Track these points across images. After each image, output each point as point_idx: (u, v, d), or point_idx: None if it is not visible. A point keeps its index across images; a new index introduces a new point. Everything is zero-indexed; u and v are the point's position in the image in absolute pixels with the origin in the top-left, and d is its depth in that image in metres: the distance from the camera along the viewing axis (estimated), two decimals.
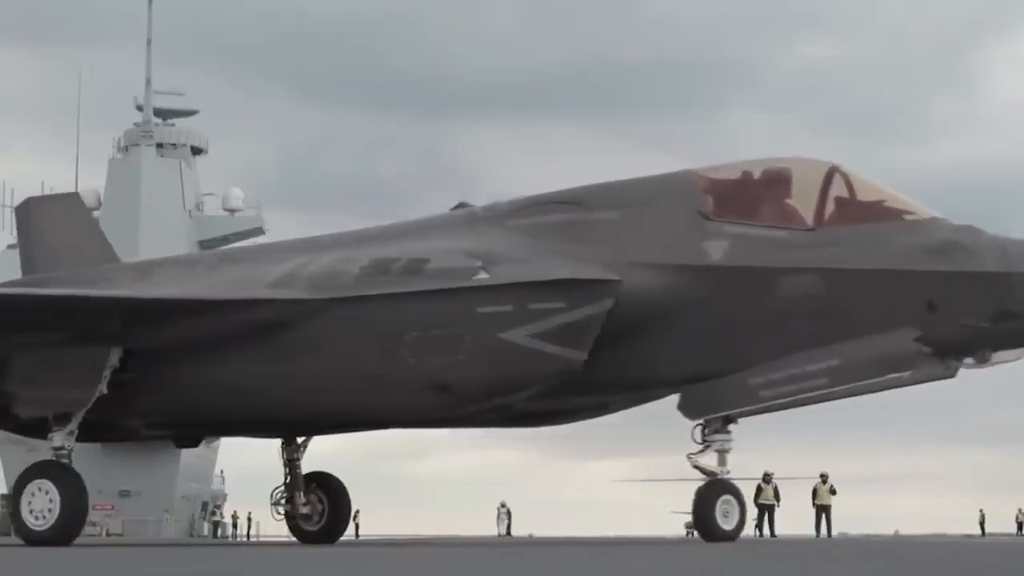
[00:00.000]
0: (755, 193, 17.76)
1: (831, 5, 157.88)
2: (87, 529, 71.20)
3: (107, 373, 18.67)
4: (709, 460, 17.86)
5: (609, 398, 19.28)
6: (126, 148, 79.16)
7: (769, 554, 13.90)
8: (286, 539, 22.98)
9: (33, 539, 18.83)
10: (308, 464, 22.43)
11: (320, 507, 22.38)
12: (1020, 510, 79.76)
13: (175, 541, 44.81)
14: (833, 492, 43.43)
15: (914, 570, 9.57)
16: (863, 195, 17.46)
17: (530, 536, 66.86)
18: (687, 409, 17.73)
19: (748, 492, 50.67)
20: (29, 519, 18.84)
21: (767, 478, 43.66)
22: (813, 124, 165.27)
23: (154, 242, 65.96)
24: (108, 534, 64.55)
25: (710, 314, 17.24)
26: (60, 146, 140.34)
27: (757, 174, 17.89)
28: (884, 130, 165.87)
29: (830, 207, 17.30)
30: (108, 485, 68.00)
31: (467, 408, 18.13)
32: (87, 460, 79.08)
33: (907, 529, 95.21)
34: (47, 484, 18.96)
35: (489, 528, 70.66)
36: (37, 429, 20.11)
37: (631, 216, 17.89)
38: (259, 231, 79.50)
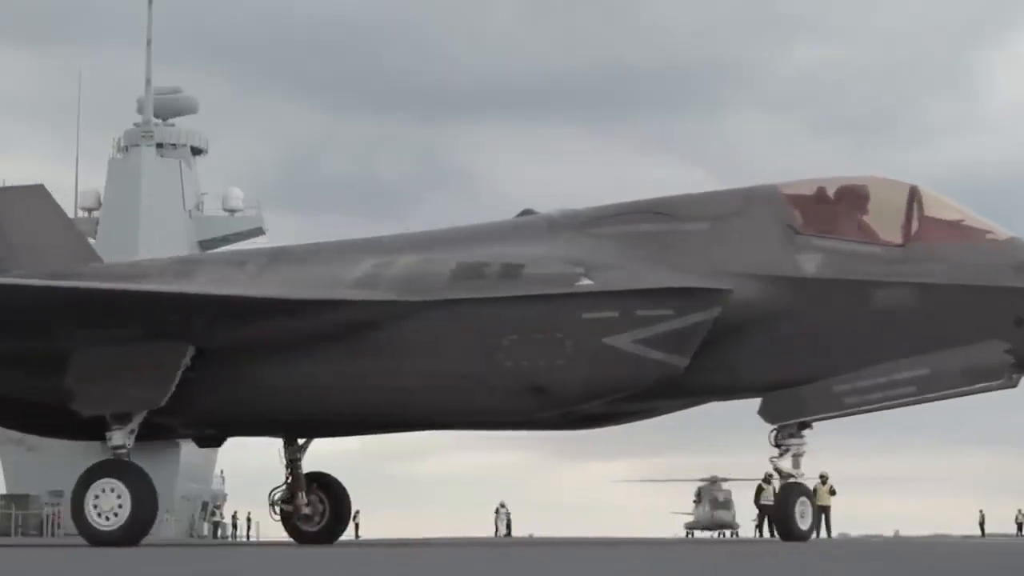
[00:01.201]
0: (841, 209, 18.53)
1: (829, 7, 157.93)
2: None
3: (180, 371, 18.35)
4: (785, 463, 18.55)
5: (692, 402, 19.88)
6: (126, 148, 79.06)
7: (769, 554, 13.90)
8: (286, 540, 22.92)
9: (99, 539, 18.19)
10: (307, 465, 22.42)
11: (321, 507, 22.37)
12: (1020, 511, 79.79)
13: (175, 541, 44.79)
14: (833, 493, 43.40)
15: (914, 570, 9.57)
16: (945, 214, 18.38)
17: (530, 536, 66.89)
18: (768, 414, 18.38)
19: (748, 493, 50.87)
20: (95, 519, 18.36)
21: (768, 479, 43.59)
22: (813, 125, 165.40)
23: (154, 242, 65.93)
24: None
25: (801, 324, 17.89)
26: (60, 146, 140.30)
27: (840, 191, 18.64)
28: (883, 131, 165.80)
29: (917, 225, 18.12)
30: None
31: (560, 410, 18.52)
32: (87, 460, 78.70)
33: (907, 530, 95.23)
34: (115, 483, 18.43)
35: (489, 529, 70.71)
36: (76, 429, 19.89)
37: (720, 228, 18.43)
38: (259, 231, 79.43)
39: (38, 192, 22.55)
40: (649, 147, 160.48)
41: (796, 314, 17.86)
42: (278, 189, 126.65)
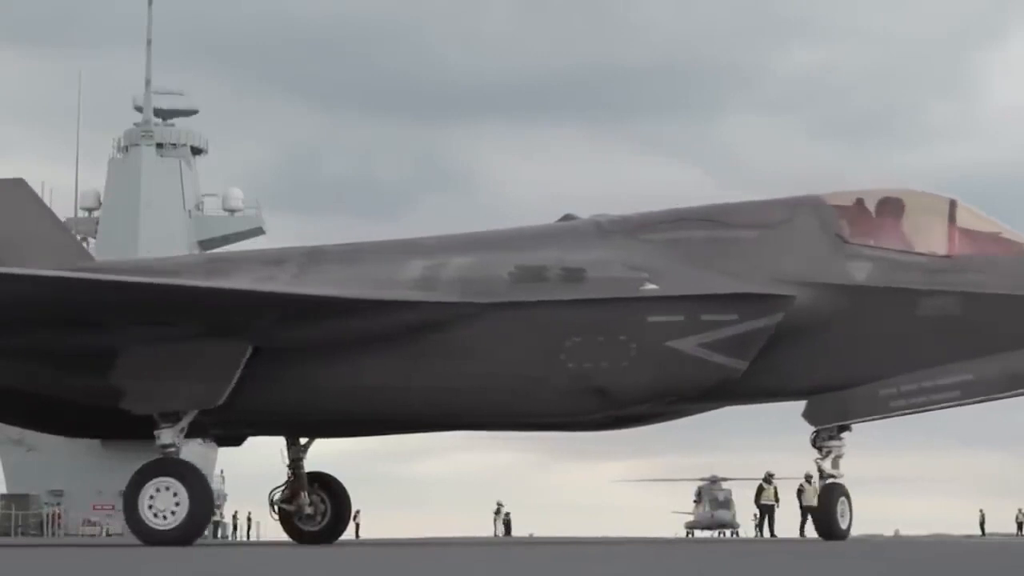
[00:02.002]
0: (885, 220, 19.24)
1: (826, 9, 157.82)
2: (87, 529, 70.81)
3: (239, 371, 18.17)
4: (826, 464, 19.26)
5: (738, 404, 20.52)
6: (126, 148, 79.03)
7: (771, 554, 13.90)
8: (286, 540, 22.91)
9: (154, 539, 17.99)
10: (306, 465, 22.40)
11: (323, 507, 22.38)
12: (1020, 510, 79.84)
13: None
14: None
15: (914, 570, 9.57)
16: (983, 227, 19.23)
17: (530, 536, 66.90)
18: (813, 416, 19.02)
19: (748, 493, 50.90)
20: (151, 518, 18.17)
21: (769, 479, 43.64)
22: (810, 126, 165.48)
23: (154, 242, 65.95)
24: (108, 534, 64.55)
25: (850, 329, 18.49)
26: (60, 147, 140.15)
27: (883, 203, 19.34)
28: (880, 133, 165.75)
29: (959, 236, 18.95)
30: (108, 485, 67.84)
31: (618, 412, 18.99)
32: (87, 460, 78.33)
33: (907, 529, 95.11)
34: (172, 482, 18.25)
35: (490, 529, 70.71)
36: (116, 429, 19.82)
37: (771, 235, 18.97)
38: (259, 231, 79.43)
39: (18, 186, 21.81)
40: (646, 148, 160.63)
41: (846, 320, 18.46)
42: (277, 190, 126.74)
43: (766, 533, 43.39)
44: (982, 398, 18.64)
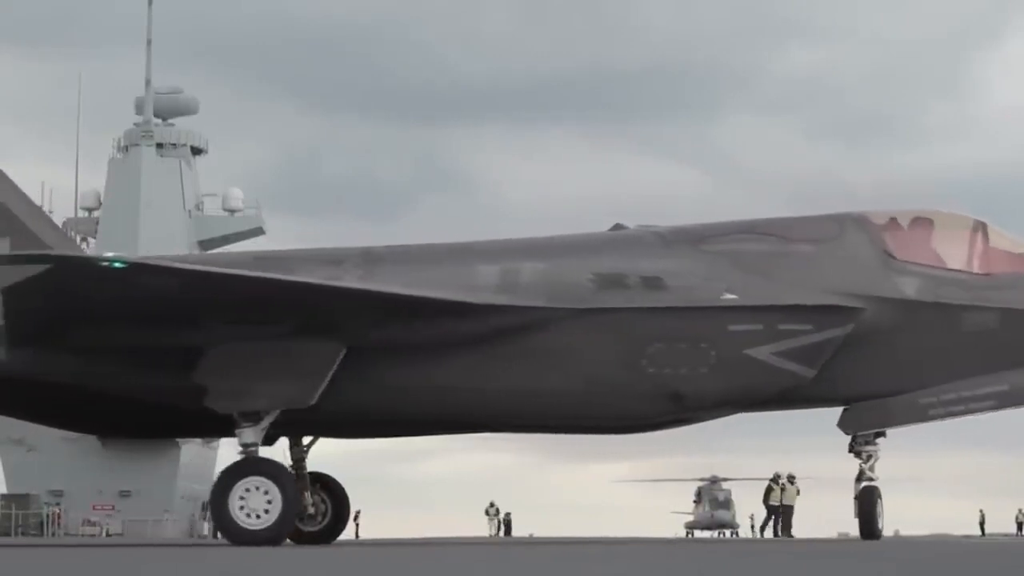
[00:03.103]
0: (924, 238, 20.20)
1: (823, 10, 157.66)
2: (87, 529, 70.73)
3: (332, 371, 18.12)
4: (866, 467, 20.04)
5: (791, 409, 20.97)
6: (126, 148, 78.99)
7: (771, 554, 13.90)
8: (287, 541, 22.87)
9: (244, 539, 17.88)
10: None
11: (324, 507, 22.36)
12: (1020, 510, 79.86)
13: (175, 541, 44.79)
14: (798, 493, 43.47)
15: (914, 570, 9.57)
16: (1014, 248, 20.22)
17: (530, 536, 66.90)
18: (855, 423, 19.83)
19: (748, 493, 50.94)
20: (242, 518, 18.01)
21: (777, 479, 43.57)
22: (808, 128, 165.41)
23: (154, 242, 65.91)
24: (108, 534, 64.60)
25: (899, 341, 19.38)
26: (60, 148, 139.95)
27: (918, 222, 20.31)
28: (879, 134, 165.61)
29: (996, 256, 20.05)
30: (108, 485, 68.07)
31: (691, 416, 19.78)
32: (87, 460, 78.11)
33: (907, 530, 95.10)
34: (264, 482, 18.12)
35: (492, 529, 70.71)
36: (185, 428, 19.97)
37: (825, 250, 19.79)
38: (259, 231, 79.41)
39: None
40: (645, 149, 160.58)
41: (895, 333, 19.34)
42: (277, 190, 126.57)
43: (768, 533, 43.33)
44: (1015, 407, 19.73)
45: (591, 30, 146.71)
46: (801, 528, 43.09)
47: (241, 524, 17.99)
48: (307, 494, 22.08)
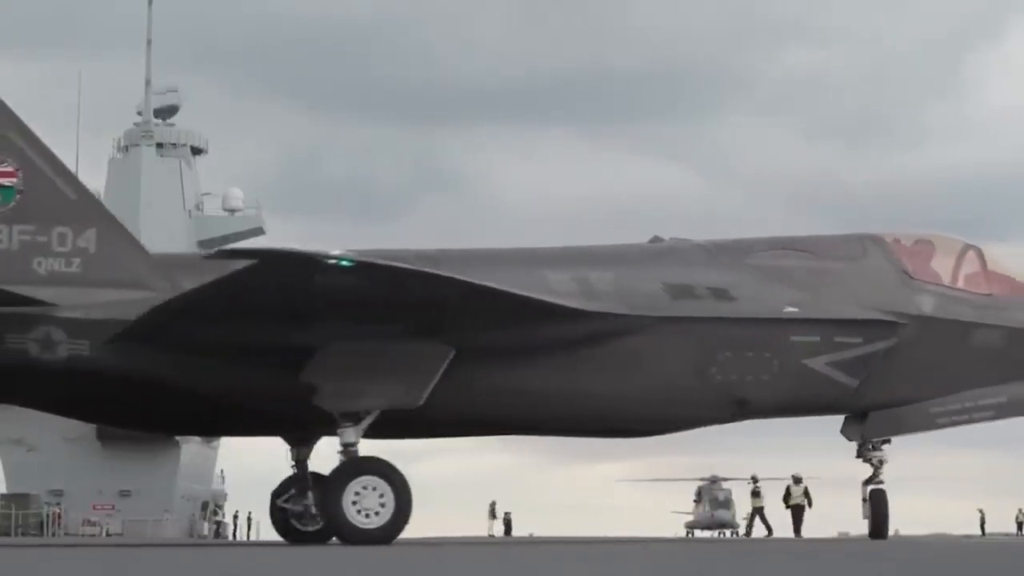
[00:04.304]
0: (934, 259, 21.56)
1: (821, 11, 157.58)
2: (87, 529, 70.57)
3: (441, 372, 18.18)
4: (875, 471, 21.36)
5: (819, 416, 21.86)
6: (126, 148, 78.86)
7: (771, 554, 13.90)
8: (288, 540, 22.87)
9: (358, 538, 17.92)
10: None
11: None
12: (1020, 510, 79.86)
13: (175, 541, 44.79)
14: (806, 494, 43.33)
15: (914, 570, 9.57)
16: (1006, 270, 21.70)
17: (530, 536, 66.89)
18: (867, 431, 21.03)
19: (747, 493, 50.76)
20: (358, 518, 18.03)
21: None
22: (806, 128, 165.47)
23: (154, 242, 65.65)
24: (108, 534, 64.54)
25: (916, 354, 20.59)
26: (60, 148, 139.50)
27: (922, 243, 21.70)
28: (877, 134, 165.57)
29: (993, 278, 21.52)
30: (108, 485, 67.96)
31: (747, 420, 20.88)
32: (87, 460, 77.72)
33: (907, 530, 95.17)
34: (377, 481, 18.15)
35: (494, 529, 70.69)
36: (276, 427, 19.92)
37: (855, 267, 21.06)
38: (259, 231, 79.25)
39: None
40: (643, 150, 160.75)
41: (914, 346, 20.58)
42: (276, 190, 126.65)
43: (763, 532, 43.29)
44: (1012, 417, 21.21)
45: (590, 31, 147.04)
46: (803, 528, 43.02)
47: (356, 523, 18.03)
48: (311, 494, 22.07)
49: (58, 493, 68.55)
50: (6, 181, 18.60)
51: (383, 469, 18.38)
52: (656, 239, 21.73)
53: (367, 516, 18.00)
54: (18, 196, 18.56)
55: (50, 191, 18.67)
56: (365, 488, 18.07)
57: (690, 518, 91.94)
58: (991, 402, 21.02)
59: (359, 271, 16.42)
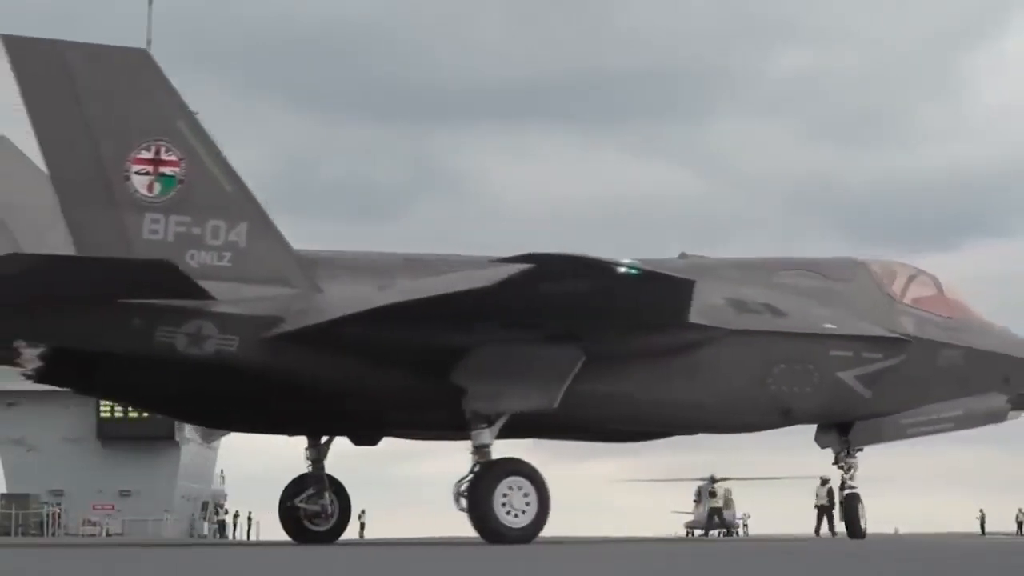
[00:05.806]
0: (907, 285, 23.29)
1: (816, 13, 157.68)
2: (87, 529, 70.51)
3: (572, 376, 18.70)
4: (848, 477, 23.34)
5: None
6: None
7: (770, 554, 13.91)
8: (286, 539, 22.92)
9: (501, 537, 18.13)
10: (302, 467, 22.47)
11: (332, 508, 22.45)
12: (1020, 510, 79.88)
13: (175, 541, 44.80)
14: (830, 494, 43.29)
15: (914, 570, 9.58)
16: (958, 296, 23.79)
17: None
18: (852, 440, 22.92)
19: (748, 493, 50.92)
20: (507, 519, 18.25)
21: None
22: (801, 130, 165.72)
23: None
24: (108, 534, 64.55)
25: (908, 370, 22.26)
26: None
27: (890, 269, 23.47)
28: (872, 135, 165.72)
29: (950, 303, 23.48)
30: (108, 485, 67.96)
31: (787, 426, 22.11)
32: (87, 460, 77.63)
33: (907, 529, 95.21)
34: (523, 482, 18.42)
35: None
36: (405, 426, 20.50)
37: (852, 288, 22.66)
38: None
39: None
40: (638, 151, 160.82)
41: (908, 362, 22.23)
42: (275, 191, 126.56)
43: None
44: (967, 428, 23.45)
45: (589, 32, 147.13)
46: (801, 527, 43.11)
47: (503, 523, 18.25)
48: (327, 494, 22.18)
49: (58, 493, 68.53)
50: (169, 170, 18.25)
51: (528, 470, 18.72)
52: (683, 256, 22.47)
53: (515, 516, 18.28)
54: (179, 186, 18.19)
55: (209, 183, 18.40)
56: (512, 488, 18.37)
57: (690, 518, 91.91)
58: (951, 415, 23.11)
59: (647, 281, 17.34)
